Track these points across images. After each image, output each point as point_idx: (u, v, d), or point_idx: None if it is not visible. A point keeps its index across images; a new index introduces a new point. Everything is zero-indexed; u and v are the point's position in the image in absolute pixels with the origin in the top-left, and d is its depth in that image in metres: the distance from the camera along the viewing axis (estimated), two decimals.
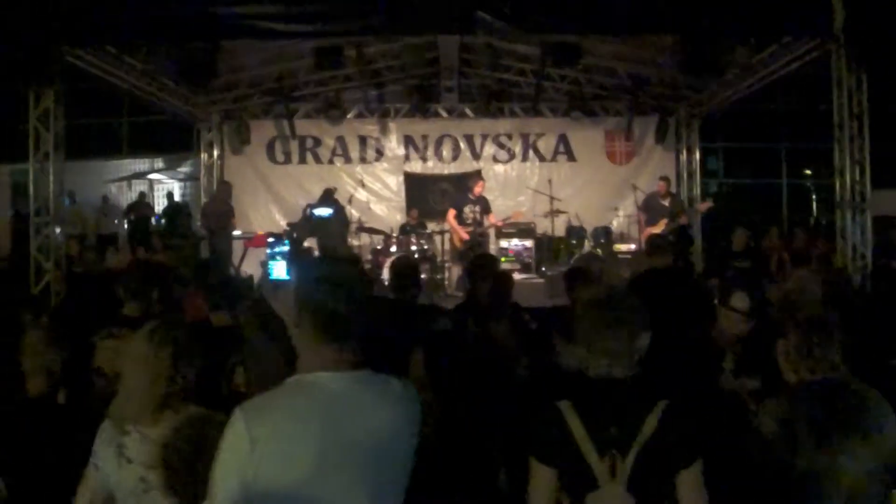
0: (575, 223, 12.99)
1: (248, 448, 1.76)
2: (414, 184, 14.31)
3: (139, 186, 18.08)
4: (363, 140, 14.30)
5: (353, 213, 13.00)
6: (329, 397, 1.87)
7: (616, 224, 13.59)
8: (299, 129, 13.90)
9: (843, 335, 2.71)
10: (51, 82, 8.61)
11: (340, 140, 14.24)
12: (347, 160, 14.30)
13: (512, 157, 14.40)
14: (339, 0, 7.98)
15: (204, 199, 13.93)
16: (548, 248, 12.85)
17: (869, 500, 2.40)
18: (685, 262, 11.00)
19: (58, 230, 8.89)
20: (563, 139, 14.28)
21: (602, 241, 12.66)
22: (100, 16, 8.09)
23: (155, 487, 2.44)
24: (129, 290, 4.13)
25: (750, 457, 2.60)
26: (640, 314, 2.42)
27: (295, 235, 11.32)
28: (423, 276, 8.72)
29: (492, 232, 12.03)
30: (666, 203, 12.19)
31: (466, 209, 11.31)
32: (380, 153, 14.39)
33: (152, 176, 19.14)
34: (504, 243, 12.41)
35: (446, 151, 14.38)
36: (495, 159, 14.38)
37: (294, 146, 14.15)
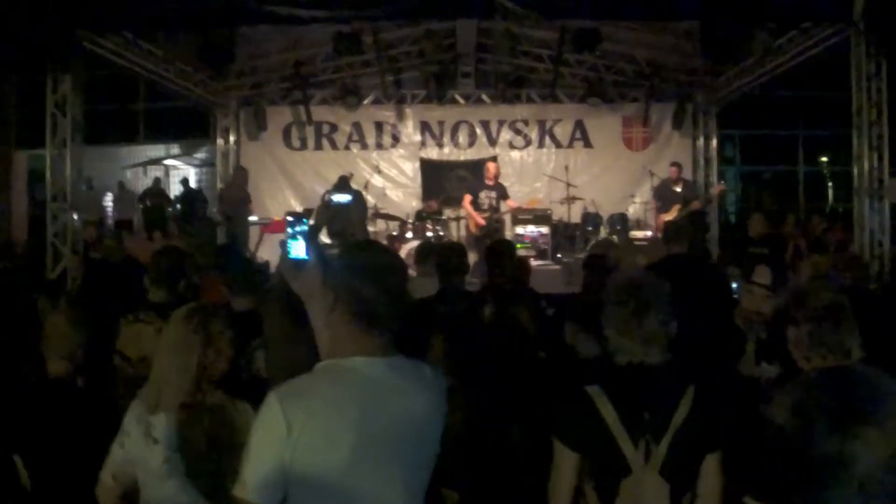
0: (591, 210, 12.91)
1: (284, 432, 1.75)
2: (430, 170, 14.28)
3: (154, 172, 18.14)
4: (379, 126, 14.26)
5: (369, 199, 12.98)
6: (366, 383, 1.87)
7: (632, 211, 13.49)
8: (315, 115, 13.89)
9: (859, 322, 2.65)
10: (68, 68, 8.66)
11: (357, 126, 14.20)
12: (363, 146, 14.28)
13: (528, 143, 14.31)
14: None
15: (220, 186, 14.02)
16: (564, 234, 12.81)
17: (883, 488, 2.39)
18: (701, 248, 10.93)
19: (75, 216, 8.95)
20: (579, 125, 14.17)
21: (618, 227, 12.59)
22: (118, 1, 8.13)
23: (178, 471, 2.46)
24: (158, 276, 4.13)
25: (763, 444, 2.59)
26: (669, 299, 2.42)
27: (313, 221, 11.33)
28: None
29: (507, 218, 12.01)
30: (678, 189, 12.13)
31: (482, 195, 11.29)
32: (396, 139, 14.37)
33: (168, 162, 19.23)
34: (520, 230, 12.36)
35: (462, 138, 14.31)
36: (512, 146, 14.32)
37: (310, 132, 14.14)
